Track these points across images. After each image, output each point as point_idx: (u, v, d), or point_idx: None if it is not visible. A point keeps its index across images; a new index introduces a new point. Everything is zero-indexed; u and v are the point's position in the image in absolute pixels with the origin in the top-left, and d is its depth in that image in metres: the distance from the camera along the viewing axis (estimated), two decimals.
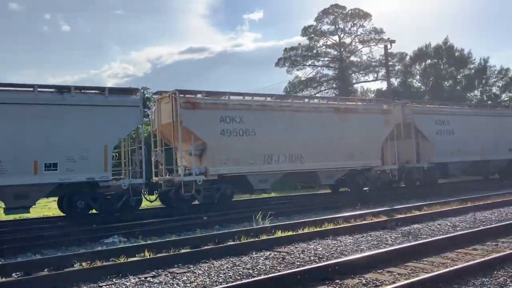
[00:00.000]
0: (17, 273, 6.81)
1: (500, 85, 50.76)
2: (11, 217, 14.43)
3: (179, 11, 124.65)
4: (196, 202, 15.47)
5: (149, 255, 7.60)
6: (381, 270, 6.21)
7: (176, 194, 14.55)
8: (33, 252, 9.07)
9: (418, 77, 51.71)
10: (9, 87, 12.95)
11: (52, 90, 13.44)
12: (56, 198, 15.02)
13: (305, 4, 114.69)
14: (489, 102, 41.21)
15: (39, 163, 12.50)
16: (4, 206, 13.09)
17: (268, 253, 7.59)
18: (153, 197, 15.21)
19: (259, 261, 7.03)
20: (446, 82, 50.09)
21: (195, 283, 5.91)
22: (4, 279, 6.43)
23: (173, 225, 11.86)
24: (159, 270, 6.62)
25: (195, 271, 6.55)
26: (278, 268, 6.60)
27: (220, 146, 14.60)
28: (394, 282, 5.52)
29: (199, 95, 15.03)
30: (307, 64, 52.09)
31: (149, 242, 9.16)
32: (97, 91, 14.15)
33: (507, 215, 11.19)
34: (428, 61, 50.81)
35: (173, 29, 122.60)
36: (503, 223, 9.51)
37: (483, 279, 5.58)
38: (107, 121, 13.30)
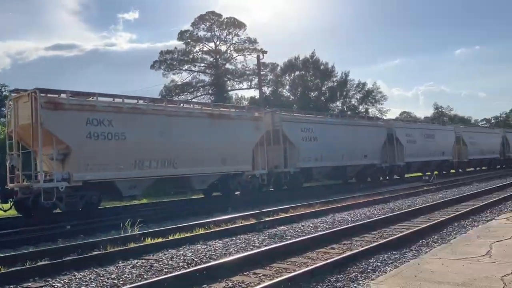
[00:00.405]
0: None
1: (358, 97, 56.28)
2: None
3: (45, 3, 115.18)
4: (59, 210, 14.36)
5: None
6: (247, 272, 6.40)
7: (35, 202, 13.31)
8: None
9: (287, 87, 54.84)
10: None
11: None
12: None
13: (182, 8, 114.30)
14: (348, 113, 45.22)
15: None
16: None
17: (136, 261, 7.34)
18: (7, 206, 13.74)
19: (126, 270, 6.76)
20: (312, 93, 53.87)
21: None
22: None
23: (32, 235, 10.82)
24: (11, 286, 6.01)
25: (54, 284, 6.08)
26: (145, 276, 6.42)
27: (86, 150, 13.73)
28: (258, 284, 5.72)
29: (63, 95, 13.94)
30: (184, 68, 51.95)
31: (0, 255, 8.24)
32: None
33: (361, 215, 12.35)
34: (297, 73, 54.19)
35: (38, 23, 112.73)
36: (357, 223, 10.48)
37: (338, 276, 6.07)
38: None
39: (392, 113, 69.97)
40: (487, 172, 35.88)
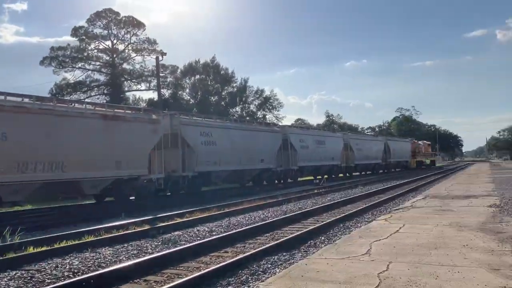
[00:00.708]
0: None
1: (257, 103, 57.75)
2: None
3: None
4: None
5: None
6: (138, 280, 6.23)
7: None
8: None
9: (187, 90, 54.49)
10: None
11: None
12: None
13: (77, 3, 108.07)
14: (247, 118, 46.13)
15: None
16: None
17: (15, 272, 6.78)
18: None
19: (1, 282, 6.21)
20: (212, 97, 54.11)
21: None
22: None
23: None
24: None
25: None
26: None
27: None
28: None
29: None
30: (77, 66, 49.16)
31: None
32: None
33: (255, 218, 12.65)
34: (197, 76, 54.09)
35: None
36: (251, 226, 10.72)
37: (229, 279, 6.15)
38: None
39: (288, 120, 72.94)
40: (371, 176, 38.86)
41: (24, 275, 6.62)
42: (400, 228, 8.73)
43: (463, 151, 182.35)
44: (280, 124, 40.25)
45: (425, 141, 71.03)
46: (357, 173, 42.88)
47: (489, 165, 61.10)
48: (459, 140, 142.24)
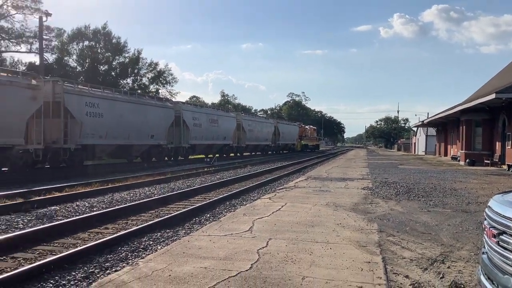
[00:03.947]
0: None
1: (150, 77, 55.87)
2: None
3: None
4: None
5: None
6: (4, 257, 5.72)
7: None
8: None
9: (74, 57, 50.79)
10: None
11: None
12: None
13: None
14: (138, 91, 44.51)
15: None
16: None
17: None
18: None
19: None
20: (102, 66, 51.15)
21: None
22: None
23: None
24: None
25: None
26: None
27: None
28: (16, 269, 5.17)
29: None
30: None
31: None
32: None
33: (140, 195, 12.31)
34: (86, 43, 50.64)
35: None
36: (135, 203, 10.40)
37: (108, 256, 5.91)
38: None
39: (182, 96, 72.13)
40: (260, 157, 40.07)
41: None
42: (282, 206, 9.11)
43: (345, 137, 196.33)
44: (173, 100, 39.39)
45: (311, 126, 75.02)
46: (248, 153, 43.90)
47: (366, 151, 66.57)
48: (341, 126, 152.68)
